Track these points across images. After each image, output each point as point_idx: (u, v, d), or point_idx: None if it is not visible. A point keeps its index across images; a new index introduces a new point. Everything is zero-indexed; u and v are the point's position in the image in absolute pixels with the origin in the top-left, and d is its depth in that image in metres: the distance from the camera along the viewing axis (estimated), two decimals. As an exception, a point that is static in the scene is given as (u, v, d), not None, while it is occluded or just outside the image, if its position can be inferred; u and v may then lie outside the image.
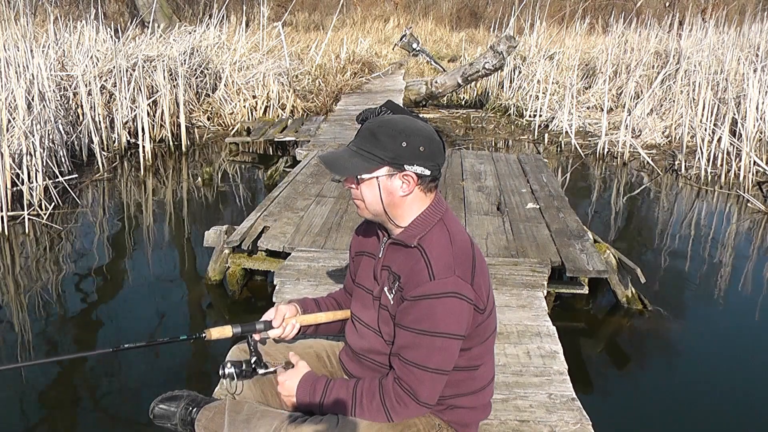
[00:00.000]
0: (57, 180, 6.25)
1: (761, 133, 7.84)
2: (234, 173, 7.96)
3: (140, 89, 8.10)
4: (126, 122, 8.26)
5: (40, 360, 3.27)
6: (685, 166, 7.90)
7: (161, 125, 8.66)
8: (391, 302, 1.75)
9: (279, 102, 10.06)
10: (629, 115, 9.12)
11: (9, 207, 5.54)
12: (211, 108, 9.87)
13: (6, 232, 5.36)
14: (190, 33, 11.56)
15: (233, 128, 9.47)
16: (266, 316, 1.94)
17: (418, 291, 1.65)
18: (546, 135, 9.74)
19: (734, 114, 7.98)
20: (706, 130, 7.93)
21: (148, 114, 8.21)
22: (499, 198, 5.39)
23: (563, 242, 4.29)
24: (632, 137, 8.78)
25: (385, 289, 1.77)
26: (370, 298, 1.84)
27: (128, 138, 8.30)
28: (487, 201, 5.31)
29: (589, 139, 9.40)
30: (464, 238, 1.75)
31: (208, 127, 9.66)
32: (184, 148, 8.57)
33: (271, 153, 8.69)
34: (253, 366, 1.86)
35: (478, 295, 1.69)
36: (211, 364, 3.70)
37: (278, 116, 9.81)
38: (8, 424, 3.07)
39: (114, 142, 8.14)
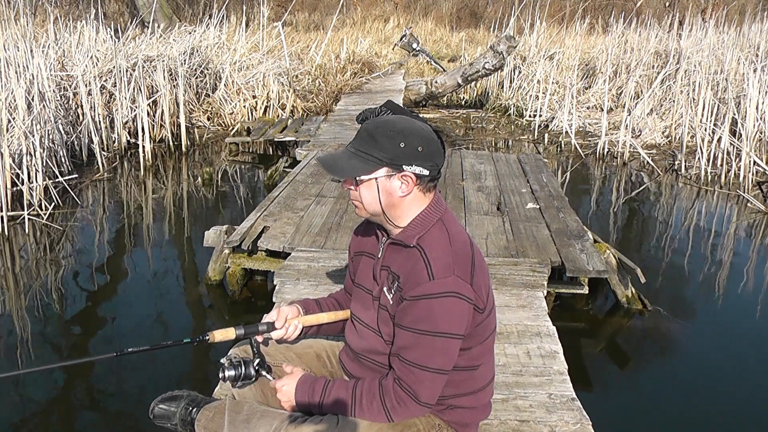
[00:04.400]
0: (57, 180, 6.25)
1: (761, 133, 7.84)
2: (234, 173, 7.96)
3: (140, 89, 8.10)
4: (126, 122, 8.26)
5: (42, 366, 3.28)
6: (685, 166, 7.90)
7: (161, 125, 8.66)
8: (391, 302, 1.75)
9: (279, 102, 10.06)
10: (629, 115, 9.12)
11: (9, 207, 5.54)
12: (211, 108, 9.87)
13: (6, 232, 5.36)
14: (190, 33, 11.57)
15: (233, 128, 9.47)
16: (268, 318, 1.93)
17: (418, 291, 1.65)
18: (546, 135, 9.74)
19: (734, 114, 7.98)
20: (706, 130, 7.93)
21: (148, 114, 8.21)
22: (499, 198, 5.39)
23: (563, 242, 4.29)
24: (632, 137, 8.78)
25: (385, 289, 1.78)
26: (370, 298, 1.84)
27: (128, 138, 8.30)
28: (487, 201, 5.31)
29: (589, 139, 9.40)
30: (463, 238, 1.75)
31: (208, 127, 9.66)
32: (184, 148, 8.57)
33: (271, 153, 8.69)
34: (257, 368, 1.86)
35: (477, 294, 1.69)
36: (211, 365, 3.70)
37: (278, 116, 9.81)
38: (9, 424, 3.07)
39: (114, 142, 8.14)
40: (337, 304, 2.07)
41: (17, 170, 5.87)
